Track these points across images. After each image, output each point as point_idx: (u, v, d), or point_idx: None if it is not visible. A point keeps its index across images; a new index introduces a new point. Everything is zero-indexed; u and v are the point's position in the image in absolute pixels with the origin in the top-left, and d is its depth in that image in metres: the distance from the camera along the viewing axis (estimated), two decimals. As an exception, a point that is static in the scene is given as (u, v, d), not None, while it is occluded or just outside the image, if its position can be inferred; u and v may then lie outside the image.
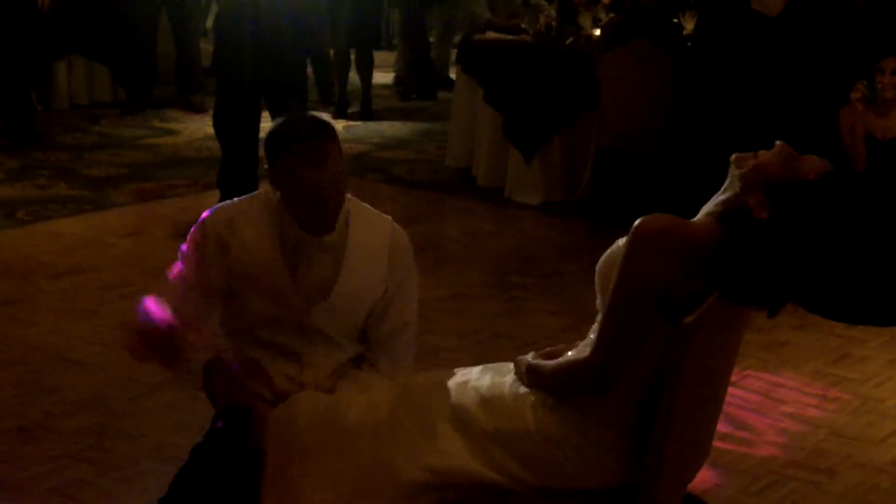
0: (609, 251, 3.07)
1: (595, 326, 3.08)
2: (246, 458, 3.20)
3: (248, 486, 3.18)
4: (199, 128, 10.01)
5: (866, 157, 6.04)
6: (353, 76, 10.88)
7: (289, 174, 3.23)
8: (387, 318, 3.46)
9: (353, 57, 10.82)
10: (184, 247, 3.39)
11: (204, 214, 3.41)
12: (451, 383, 3.18)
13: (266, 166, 3.31)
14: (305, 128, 3.25)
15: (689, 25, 8.04)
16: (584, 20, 8.58)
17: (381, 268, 3.41)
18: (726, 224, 2.97)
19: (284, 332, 3.37)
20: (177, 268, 3.40)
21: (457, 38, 13.32)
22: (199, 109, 10.58)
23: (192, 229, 3.40)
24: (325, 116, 3.36)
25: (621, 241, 3.02)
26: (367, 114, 10.77)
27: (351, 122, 10.56)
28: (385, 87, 12.05)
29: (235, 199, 3.45)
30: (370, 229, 3.42)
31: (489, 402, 3.11)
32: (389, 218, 3.52)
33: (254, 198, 3.43)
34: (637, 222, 2.95)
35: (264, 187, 3.47)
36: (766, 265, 2.93)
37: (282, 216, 3.33)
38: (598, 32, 8.16)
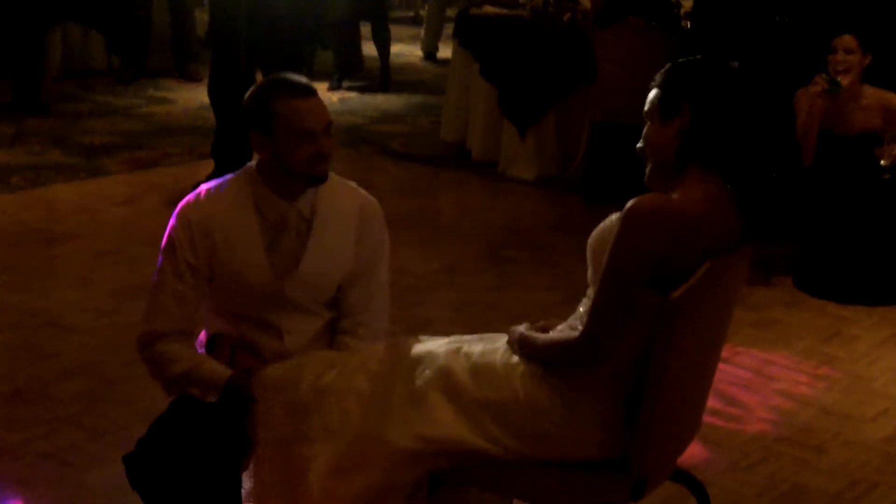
0: (601, 226, 3.08)
1: (585, 301, 3.10)
2: (224, 411, 3.24)
3: (224, 439, 3.21)
4: (194, 97, 9.99)
5: (824, 151, 5.98)
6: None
7: (284, 115, 3.23)
8: (358, 286, 3.45)
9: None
10: (164, 239, 3.35)
11: (179, 206, 3.37)
12: (443, 351, 3.19)
13: (252, 131, 3.31)
14: (287, 76, 3.33)
15: (686, 3, 8.03)
16: (582, -5, 8.56)
17: (348, 240, 3.41)
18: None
19: (261, 306, 3.38)
20: (162, 263, 3.35)
21: (451, 13, 13.33)
22: (194, 79, 10.56)
23: (171, 221, 3.36)
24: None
25: (614, 217, 3.02)
26: (385, 86, 10.77)
27: (346, 95, 10.55)
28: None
29: (205, 186, 3.42)
30: (338, 201, 3.42)
31: (480, 370, 3.13)
32: (355, 185, 3.50)
33: (227, 182, 3.41)
34: (630, 203, 2.96)
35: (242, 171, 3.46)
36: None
37: (258, 189, 3.33)
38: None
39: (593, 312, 2.98)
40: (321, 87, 10.43)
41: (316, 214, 3.36)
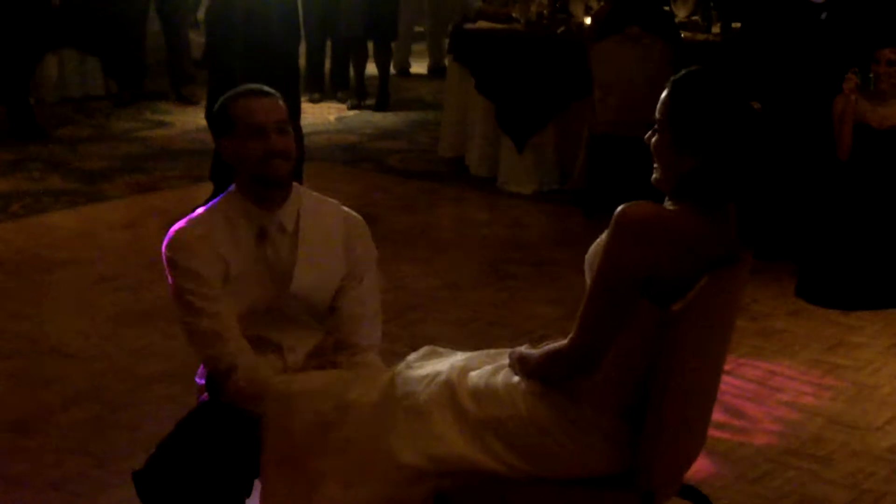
0: (597, 241, 3.07)
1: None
2: (231, 429, 3.25)
3: (231, 454, 3.21)
4: (192, 120, 10.00)
5: (861, 145, 6.01)
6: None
7: (239, 115, 3.35)
8: (348, 296, 3.48)
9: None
10: (168, 269, 3.35)
11: (170, 235, 3.36)
12: (448, 369, 3.19)
13: (219, 139, 3.40)
14: (244, 86, 3.46)
15: (680, 13, 8.04)
16: (576, 8, 8.56)
17: (336, 252, 3.46)
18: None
19: (263, 324, 3.41)
20: (177, 287, 3.33)
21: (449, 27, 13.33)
22: (191, 101, 10.56)
23: (166, 251, 3.34)
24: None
25: (610, 231, 3.02)
26: (383, 105, 10.75)
27: (344, 113, 10.56)
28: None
29: (196, 212, 3.44)
30: (321, 216, 3.48)
31: (483, 391, 3.12)
32: (337, 202, 3.56)
33: (215, 203, 3.45)
34: (619, 210, 2.95)
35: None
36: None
37: (241, 203, 3.38)
38: (589, 21, 8.15)
39: (580, 319, 2.98)
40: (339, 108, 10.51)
41: (300, 229, 3.42)
